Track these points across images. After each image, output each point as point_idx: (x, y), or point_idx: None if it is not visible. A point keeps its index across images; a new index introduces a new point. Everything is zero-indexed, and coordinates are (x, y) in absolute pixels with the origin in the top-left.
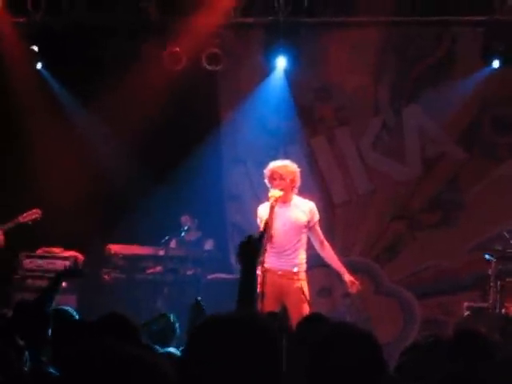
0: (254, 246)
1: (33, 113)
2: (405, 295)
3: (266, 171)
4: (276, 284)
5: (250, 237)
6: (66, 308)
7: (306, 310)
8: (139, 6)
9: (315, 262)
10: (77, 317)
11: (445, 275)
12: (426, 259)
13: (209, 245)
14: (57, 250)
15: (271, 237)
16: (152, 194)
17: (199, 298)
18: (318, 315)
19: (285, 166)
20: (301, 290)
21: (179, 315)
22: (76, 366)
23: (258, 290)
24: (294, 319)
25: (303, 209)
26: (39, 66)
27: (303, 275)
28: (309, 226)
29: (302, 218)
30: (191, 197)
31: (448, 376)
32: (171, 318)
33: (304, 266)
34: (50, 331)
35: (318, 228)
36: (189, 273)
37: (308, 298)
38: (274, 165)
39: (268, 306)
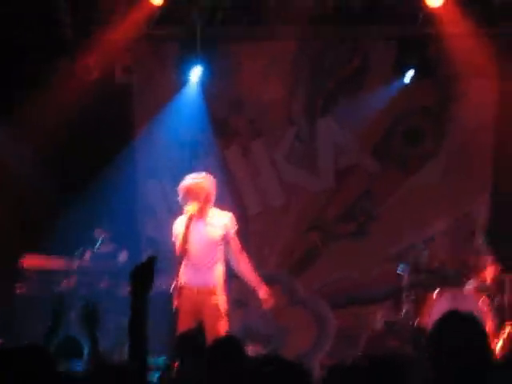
0: (146, 274)
1: None
2: (319, 306)
3: (180, 189)
4: (192, 300)
5: (141, 265)
6: None
7: (223, 326)
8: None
9: (231, 272)
10: None
11: (359, 286)
12: (340, 270)
13: (123, 257)
14: None
15: (186, 252)
16: (65, 207)
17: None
18: (230, 341)
19: (197, 183)
20: (217, 306)
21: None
22: None
23: (174, 306)
24: (210, 336)
25: (219, 224)
26: None
27: (220, 290)
28: (225, 240)
29: (218, 233)
30: (106, 209)
31: None
32: (77, 338)
33: (221, 280)
34: None
35: (233, 242)
36: (103, 286)
37: (225, 313)
38: (187, 182)
39: (184, 322)
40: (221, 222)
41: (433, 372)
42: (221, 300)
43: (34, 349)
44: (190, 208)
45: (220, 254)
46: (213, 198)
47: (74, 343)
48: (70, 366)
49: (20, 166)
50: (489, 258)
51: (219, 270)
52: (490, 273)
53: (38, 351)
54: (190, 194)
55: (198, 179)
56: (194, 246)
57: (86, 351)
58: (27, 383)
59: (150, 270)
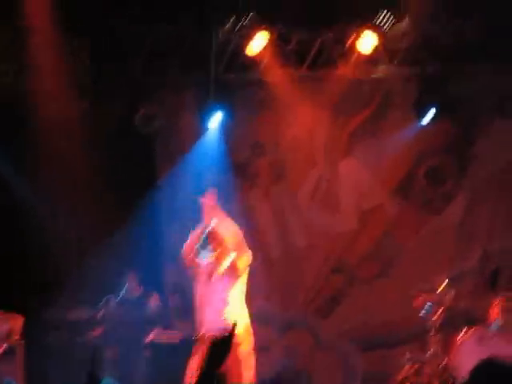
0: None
1: None
2: (345, 349)
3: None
4: None
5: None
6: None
7: (248, 374)
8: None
9: (254, 318)
10: None
11: (385, 328)
12: (366, 312)
13: (154, 302)
14: None
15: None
16: (92, 254)
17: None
18: None
19: (219, 231)
20: (239, 353)
21: (122, 376)
22: None
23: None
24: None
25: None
26: None
27: (243, 338)
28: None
29: (225, 284)
30: (133, 256)
31: None
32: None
33: (240, 322)
34: None
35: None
36: (129, 334)
37: (249, 360)
38: (210, 228)
39: None
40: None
41: None
42: (244, 347)
43: None
44: (210, 256)
45: (235, 297)
46: (229, 249)
47: None
48: None
49: (45, 216)
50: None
51: (237, 313)
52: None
53: None
54: (211, 241)
55: (220, 225)
56: (209, 291)
57: None
58: None
59: (227, 346)
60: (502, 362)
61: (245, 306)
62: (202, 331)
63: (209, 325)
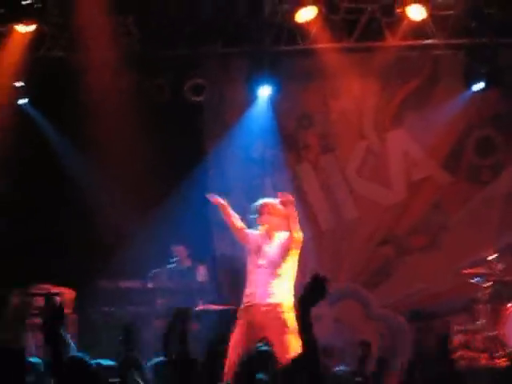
0: None
1: (18, 150)
2: (394, 319)
3: (254, 207)
4: (259, 317)
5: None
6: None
7: (291, 343)
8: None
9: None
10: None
11: (433, 298)
12: (415, 283)
13: (202, 273)
14: (46, 287)
15: (256, 268)
16: (141, 227)
17: None
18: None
19: (273, 204)
20: (285, 322)
21: None
22: None
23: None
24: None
25: (280, 242)
26: (22, 101)
27: (288, 307)
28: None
29: (278, 252)
30: (181, 228)
31: None
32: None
33: (289, 297)
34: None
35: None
36: (179, 305)
37: (295, 329)
38: (263, 201)
39: (253, 339)
40: (281, 239)
41: None
42: (289, 316)
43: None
44: (261, 228)
45: (285, 272)
46: (282, 224)
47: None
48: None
49: (95, 191)
50: None
51: (286, 287)
52: None
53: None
54: (265, 209)
55: (274, 201)
56: (260, 264)
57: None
58: None
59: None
60: None
61: (293, 285)
62: (249, 302)
63: (257, 297)
